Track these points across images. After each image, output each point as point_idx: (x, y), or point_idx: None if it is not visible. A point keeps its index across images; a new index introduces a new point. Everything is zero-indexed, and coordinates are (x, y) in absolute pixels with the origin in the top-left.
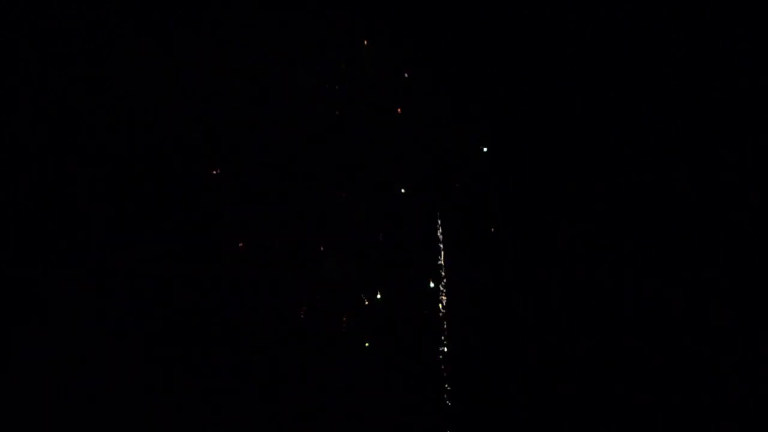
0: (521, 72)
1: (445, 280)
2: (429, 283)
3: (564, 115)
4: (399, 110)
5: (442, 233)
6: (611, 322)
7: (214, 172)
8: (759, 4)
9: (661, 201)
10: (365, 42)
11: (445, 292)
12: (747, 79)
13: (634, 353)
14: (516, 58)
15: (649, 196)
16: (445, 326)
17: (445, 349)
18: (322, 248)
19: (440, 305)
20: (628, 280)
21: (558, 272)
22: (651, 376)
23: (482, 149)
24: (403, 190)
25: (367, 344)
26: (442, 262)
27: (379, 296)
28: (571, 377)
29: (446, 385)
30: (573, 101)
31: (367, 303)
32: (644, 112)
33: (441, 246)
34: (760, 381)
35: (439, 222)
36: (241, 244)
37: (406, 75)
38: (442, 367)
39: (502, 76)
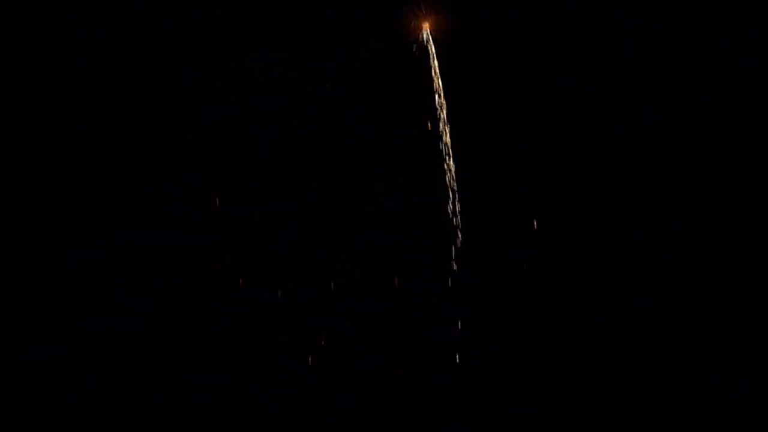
0: (521, 72)
1: (448, 280)
2: (429, 284)
3: (564, 116)
4: (399, 112)
5: (442, 234)
6: (613, 323)
7: (214, 172)
8: (759, 4)
9: (661, 201)
10: (365, 42)
11: (449, 293)
12: (747, 79)
13: (633, 353)
14: (516, 58)
15: (649, 196)
16: (452, 327)
17: (456, 355)
18: (322, 248)
19: (444, 306)
20: (628, 280)
21: (559, 272)
22: (651, 376)
23: (483, 149)
24: (403, 190)
25: (369, 344)
26: (446, 262)
27: (378, 296)
28: (574, 378)
29: (454, 387)
30: (573, 101)
31: (367, 302)
32: (644, 112)
33: (442, 246)
34: (759, 381)
35: (441, 222)
36: (241, 244)
37: (406, 74)
38: (448, 367)
39: (502, 75)
